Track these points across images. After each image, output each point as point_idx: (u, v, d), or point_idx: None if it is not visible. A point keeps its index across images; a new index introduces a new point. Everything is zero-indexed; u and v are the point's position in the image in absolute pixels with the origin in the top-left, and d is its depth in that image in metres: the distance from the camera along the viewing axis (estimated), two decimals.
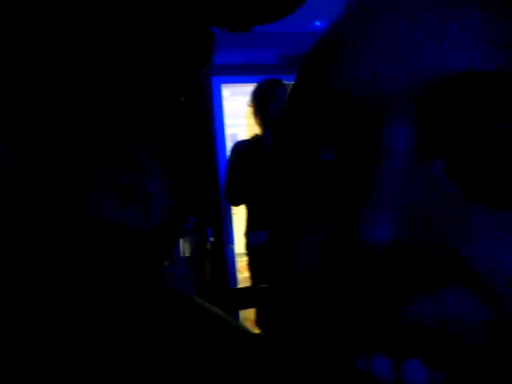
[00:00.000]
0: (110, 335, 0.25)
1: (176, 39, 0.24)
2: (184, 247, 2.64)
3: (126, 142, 0.23)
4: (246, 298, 1.34)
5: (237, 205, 2.69)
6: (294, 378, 0.26)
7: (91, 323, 0.24)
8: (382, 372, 0.21)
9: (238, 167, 2.40)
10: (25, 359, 0.23)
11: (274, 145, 0.28)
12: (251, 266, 2.48)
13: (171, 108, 0.26)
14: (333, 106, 0.24)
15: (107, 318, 0.24)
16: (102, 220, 0.22)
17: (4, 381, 0.23)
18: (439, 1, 0.23)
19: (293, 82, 0.28)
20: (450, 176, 0.22)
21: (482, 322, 0.21)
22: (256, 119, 2.42)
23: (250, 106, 2.47)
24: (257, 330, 1.95)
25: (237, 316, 2.15)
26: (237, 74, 3.38)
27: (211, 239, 2.84)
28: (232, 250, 3.22)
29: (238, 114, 3.29)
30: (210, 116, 3.32)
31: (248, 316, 2.40)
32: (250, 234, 2.45)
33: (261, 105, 2.36)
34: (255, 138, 2.42)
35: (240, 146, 2.51)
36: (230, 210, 3.19)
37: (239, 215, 2.76)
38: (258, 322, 2.22)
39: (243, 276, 3.02)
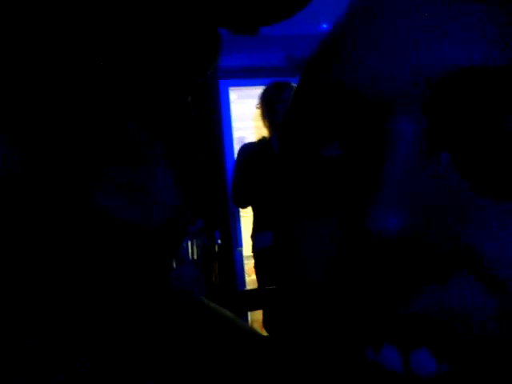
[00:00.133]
0: (112, 334, 0.25)
1: (183, 39, 0.24)
2: (192, 249, 2.64)
3: (132, 140, 0.23)
4: (253, 299, 1.34)
5: (243, 207, 2.69)
6: (302, 378, 0.26)
7: (93, 321, 0.24)
8: (391, 362, 0.22)
9: (245, 169, 2.41)
10: (25, 358, 0.23)
11: (280, 142, 0.28)
12: (257, 268, 2.48)
13: (178, 108, 0.26)
14: (339, 102, 0.24)
15: (110, 316, 0.24)
16: (106, 217, 0.22)
17: (4, 381, 0.23)
18: (444, 0, 0.23)
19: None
20: (456, 169, 0.22)
21: (489, 313, 0.21)
22: (264, 121, 2.42)
23: (258, 108, 2.48)
24: (264, 332, 1.95)
25: (245, 318, 2.15)
26: (244, 77, 3.38)
27: (219, 241, 2.84)
28: (240, 253, 3.22)
29: (245, 117, 3.29)
30: (218, 119, 3.33)
31: (256, 318, 2.40)
32: (256, 236, 2.45)
33: (268, 107, 2.37)
34: (262, 141, 2.42)
35: (247, 148, 2.51)
36: (238, 212, 3.19)
37: (247, 218, 2.76)
38: (266, 324, 2.22)
39: (251, 278, 3.02)
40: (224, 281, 2.87)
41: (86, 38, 0.22)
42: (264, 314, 2.28)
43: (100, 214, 0.22)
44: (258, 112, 2.49)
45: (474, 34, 0.22)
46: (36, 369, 0.24)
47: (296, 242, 0.26)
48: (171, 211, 0.24)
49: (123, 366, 0.26)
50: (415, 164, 0.22)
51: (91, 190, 0.22)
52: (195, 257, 2.64)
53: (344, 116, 0.24)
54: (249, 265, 3.02)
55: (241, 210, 2.99)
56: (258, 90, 2.53)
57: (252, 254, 2.54)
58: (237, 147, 2.86)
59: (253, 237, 2.49)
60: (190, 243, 2.56)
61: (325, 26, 2.73)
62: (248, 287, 3.06)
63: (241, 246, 3.23)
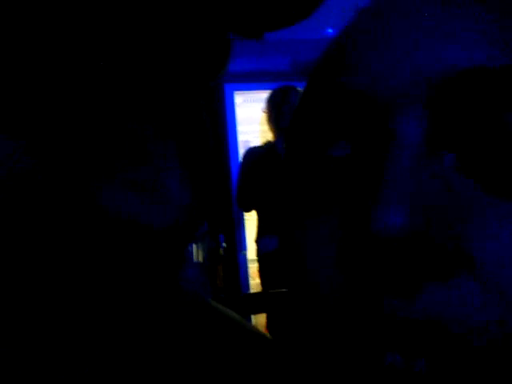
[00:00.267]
0: (117, 335, 0.25)
1: (195, 42, 0.25)
2: (197, 252, 2.64)
3: (144, 139, 0.23)
4: (256, 303, 1.34)
5: (247, 211, 2.69)
6: (307, 379, 0.26)
7: (99, 322, 0.24)
8: (396, 364, 0.22)
9: (250, 173, 2.41)
10: (28, 359, 0.23)
11: (286, 144, 0.29)
12: (262, 272, 2.48)
13: (190, 110, 0.26)
14: (345, 102, 0.25)
15: (117, 315, 0.24)
16: (117, 215, 0.22)
17: (6, 381, 0.23)
18: (445, 1, 0.24)
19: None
20: (458, 169, 0.23)
21: (488, 316, 0.21)
22: (269, 125, 2.43)
23: (264, 112, 2.48)
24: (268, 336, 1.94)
25: (249, 321, 2.14)
26: (249, 81, 3.39)
27: (224, 245, 2.84)
28: (244, 256, 3.22)
29: (250, 121, 3.30)
30: (223, 123, 3.33)
31: (259, 321, 2.40)
32: (260, 240, 2.45)
33: (274, 111, 2.37)
34: (267, 145, 2.43)
35: (252, 152, 2.51)
36: (242, 216, 3.19)
37: (252, 221, 2.76)
38: (269, 327, 2.22)
39: (255, 282, 3.02)
40: (228, 284, 2.87)
41: (93, 39, 0.22)
42: (267, 318, 2.28)
43: (111, 214, 0.22)
44: (263, 116, 2.50)
45: (474, 35, 0.23)
46: (39, 369, 0.24)
47: (298, 243, 0.26)
48: (182, 212, 0.24)
49: (130, 365, 0.26)
50: (417, 164, 0.22)
51: (102, 189, 0.22)
52: (200, 260, 2.64)
53: (349, 116, 0.25)
54: (253, 268, 3.02)
55: (245, 213, 2.99)
56: (264, 94, 2.53)
57: (256, 257, 2.54)
58: (242, 151, 2.86)
59: (257, 241, 2.50)
60: (194, 246, 2.57)
61: (330, 30, 2.73)
62: (252, 291, 3.06)
63: (245, 249, 3.23)
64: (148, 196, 0.23)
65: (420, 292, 0.22)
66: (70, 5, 0.21)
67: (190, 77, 0.25)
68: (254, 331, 0.35)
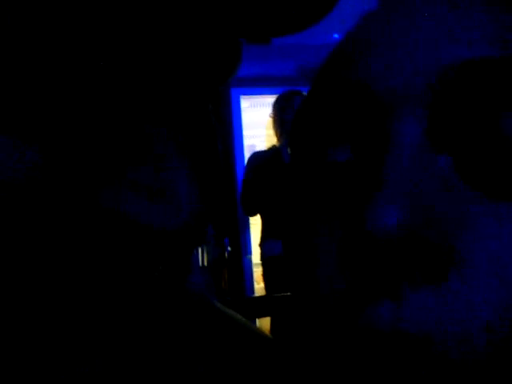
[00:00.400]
0: (122, 335, 0.25)
1: (203, 45, 0.25)
2: (202, 256, 2.64)
3: (155, 143, 0.23)
4: (261, 306, 1.34)
5: (252, 215, 2.70)
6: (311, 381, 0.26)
7: (103, 322, 0.24)
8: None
9: (254, 178, 2.41)
10: (28, 358, 0.23)
11: (290, 146, 0.29)
12: (266, 276, 2.48)
13: (199, 113, 0.26)
14: (348, 100, 0.25)
15: (122, 316, 0.24)
16: (126, 218, 0.22)
17: (6, 381, 0.23)
18: (445, 1, 0.24)
19: None
20: (456, 170, 0.23)
21: (482, 323, 0.21)
22: (274, 130, 2.43)
23: (270, 116, 2.48)
24: None
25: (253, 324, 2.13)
26: (256, 86, 3.39)
27: (229, 249, 2.83)
28: (249, 260, 3.21)
29: (256, 125, 3.31)
30: (229, 127, 3.34)
31: (264, 325, 2.39)
32: (264, 244, 2.45)
33: (279, 115, 2.37)
34: (272, 149, 2.43)
35: (257, 156, 2.51)
36: (248, 220, 3.19)
37: (257, 226, 2.76)
38: (274, 331, 2.21)
39: (260, 286, 3.01)
40: (233, 288, 2.86)
41: (98, 40, 0.22)
42: (272, 322, 2.27)
43: (119, 216, 0.22)
44: (269, 120, 2.50)
45: (474, 33, 0.23)
46: (41, 368, 0.24)
47: (302, 246, 0.26)
48: (191, 216, 0.24)
49: (134, 365, 0.26)
50: (415, 164, 0.22)
51: (112, 193, 0.22)
52: (205, 263, 2.64)
53: (351, 116, 0.25)
54: (258, 272, 3.02)
55: (251, 217, 2.99)
56: (270, 99, 2.54)
57: (260, 261, 2.54)
58: (247, 155, 2.87)
59: (261, 245, 2.50)
60: (200, 250, 2.57)
61: (336, 36, 2.73)
62: (257, 294, 3.05)
63: (250, 253, 3.23)
64: (158, 201, 0.23)
65: (406, 295, 0.21)
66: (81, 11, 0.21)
67: (200, 80, 0.25)
68: (259, 333, 0.35)
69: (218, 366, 0.29)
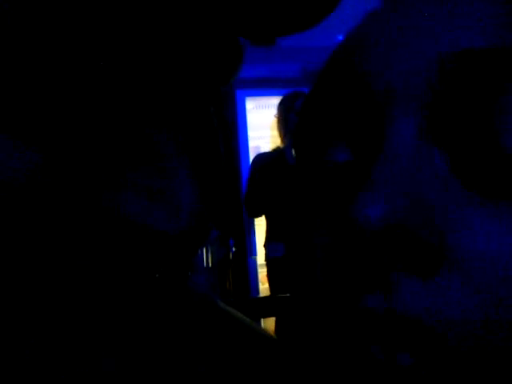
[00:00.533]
0: (123, 335, 0.25)
1: (205, 46, 0.25)
2: (207, 257, 2.64)
3: (154, 143, 0.23)
4: (265, 307, 1.34)
5: (256, 216, 2.69)
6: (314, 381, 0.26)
7: (104, 322, 0.24)
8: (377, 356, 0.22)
9: (258, 179, 2.40)
10: (50, 357, 0.23)
11: (294, 145, 0.29)
12: (270, 276, 2.48)
13: (201, 115, 0.26)
14: (347, 99, 0.25)
15: (125, 316, 0.24)
16: (127, 221, 0.22)
17: (6, 380, 0.23)
18: None
19: None
20: (450, 166, 0.22)
21: (472, 317, 0.21)
22: (278, 131, 2.43)
23: (275, 117, 2.48)
24: None
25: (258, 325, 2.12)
26: (261, 87, 3.39)
27: (233, 249, 2.83)
28: (254, 261, 3.21)
29: (261, 127, 3.30)
30: (234, 128, 3.34)
31: (268, 326, 2.39)
32: (268, 245, 2.45)
33: (283, 116, 2.37)
34: (276, 150, 2.42)
35: (261, 158, 2.50)
36: (253, 221, 3.18)
37: (263, 227, 2.75)
38: (278, 331, 2.21)
39: (265, 287, 3.01)
40: (238, 288, 2.86)
41: (96, 41, 0.22)
42: (276, 322, 2.27)
43: (121, 218, 0.22)
44: (274, 121, 2.50)
45: (474, 25, 0.22)
46: (61, 367, 0.24)
47: (302, 245, 0.27)
48: (195, 217, 0.24)
49: (136, 364, 0.26)
50: (409, 161, 0.22)
51: (112, 194, 0.22)
52: (210, 264, 2.64)
53: (350, 115, 0.25)
54: (263, 273, 3.01)
55: (256, 218, 2.99)
56: (275, 100, 2.53)
57: (265, 262, 2.54)
58: (252, 156, 2.86)
59: (265, 246, 2.50)
60: (204, 251, 2.56)
61: (341, 38, 2.73)
62: (262, 295, 3.05)
63: (255, 254, 3.22)
64: (159, 203, 0.23)
65: (396, 286, 0.21)
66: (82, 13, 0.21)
67: (201, 81, 0.25)
68: (263, 333, 0.35)
69: (219, 366, 0.29)
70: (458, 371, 0.22)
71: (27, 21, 0.21)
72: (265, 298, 1.78)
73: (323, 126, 0.26)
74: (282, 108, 2.40)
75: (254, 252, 3.22)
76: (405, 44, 0.23)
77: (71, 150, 0.22)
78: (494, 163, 0.22)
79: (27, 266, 0.22)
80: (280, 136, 2.41)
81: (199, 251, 2.33)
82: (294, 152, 0.29)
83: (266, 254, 2.48)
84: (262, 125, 3.27)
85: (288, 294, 1.31)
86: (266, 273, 2.63)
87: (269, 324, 2.35)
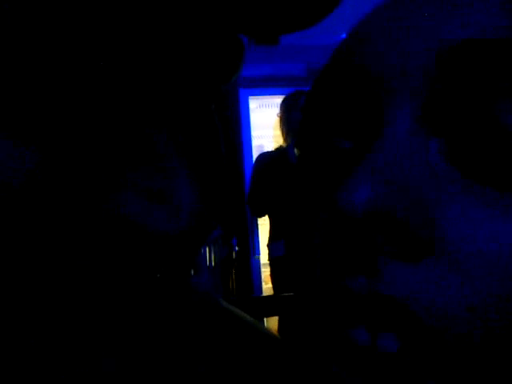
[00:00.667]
0: (124, 335, 0.25)
1: (205, 44, 0.25)
2: (210, 256, 2.64)
3: (154, 143, 0.23)
4: (268, 306, 1.34)
5: (259, 216, 2.69)
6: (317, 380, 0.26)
7: (105, 322, 0.24)
8: (361, 340, 0.22)
9: (261, 179, 2.41)
10: (50, 357, 0.23)
11: (298, 141, 0.29)
12: (273, 276, 2.48)
13: (202, 115, 0.26)
14: (349, 87, 0.25)
15: (124, 316, 0.25)
16: (127, 222, 0.22)
17: (6, 380, 0.23)
18: None
19: None
20: (445, 155, 0.22)
21: (457, 304, 0.21)
22: (281, 130, 2.43)
23: (278, 116, 2.48)
24: None
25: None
26: (264, 87, 3.39)
27: (236, 249, 2.84)
28: (257, 261, 3.21)
29: (264, 126, 3.30)
30: (238, 127, 3.34)
31: (271, 324, 2.39)
32: (271, 244, 2.45)
33: (286, 115, 2.37)
34: (279, 150, 2.43)
35: (264, 157, 2.51)
36: (255, 220, 3.19)
37: (266, 226, 2.76)
38: (281, 330, 2.21)
39: (268, 286, 3.01)
40: (241, 288, 2.87)
41: (93, 40, 0.22)
42: (279, 321, 2.27)
43: (120, 219, 0.22)
44: (276, 120, 2.50)
45: (473, 17, 0.22)
46: (62, 367, 0.24)
47: (301, 238, 0.27)
48: (195, 217, 0.24)
49: (138, 364, 0.26)
50: (403, 148, 0.22)
51: (112, 195, 0.22)
52: (213, 264, 2.64)
53: (352, 103, 0.25)
54: (266, 272, 3.02)
55: (259, 218, 2.99)
56: (278, 99, 2.53)
57: (268, 262, 2.54)
58: (256, 155, 2.87)
59: (269, 245, 2.50)
60: (207, 250, 2.57)
61: (344, 36, 2.72)
62: (265, 295, 3.05)
63: (258, 254, 3.22)
64: (159, 203, 0.23)
65: (380, 270, 0.22)
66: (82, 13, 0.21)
67: (201, 80, 0.25)
68: (266, 332, 0.35)
69: (220, 366, 0.29)
70: (443, 357, 0.22)
71: (27, 21, 0.21)
72: (268, 297, 1.79)
73: (326, 118, 0.26)
74: (284, 107, 2.40)
75: (257, 251, 3.23)
76: (404, 35, 0.24)
77: (71, 150, 0.22)
78: (494, 146, 0.22)
79: (27, 266, 0.22)
80: (282, 135, 2.41)
81: (202, 250, 2.33)
82: (296, 151, 0.29)
83: (269, 254, 2.48)
84: (265, 124, 3.27)
85: (291, 293, 1.31)
86: (269, 272, 2.63)
87: (272, 323, 2.35)
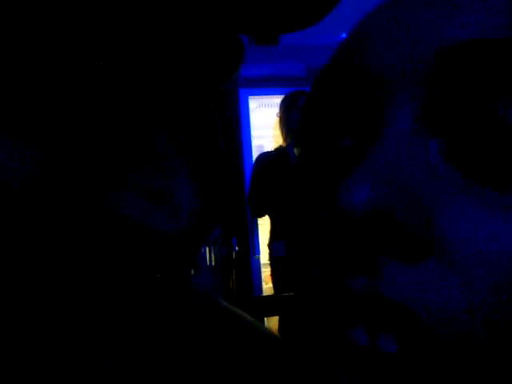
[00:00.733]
0: (124, 335, 0.25)
1: (204, 44, 0.25)
2: (210, 256, 2.65)
3: (154, 143, 0.23)
4: (268, 305, 1.34)
5: (260, 216, 2.70)
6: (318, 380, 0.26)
7: (105, 322, 0.24)
8: (361, 341, 0.22)
9: (262, 179, 2.41)
10: (50, 357, 0.23)
11: (299, 139, 0.29)
12: (274, 276, 2.49)
13: (201, 114, 0.26)
14: (349, 86, 0.25)
15: (124, 316, 0.24)
16: (126, 222, 0.22)
17: (6, 380, 0.23)
18: None
19: None
20: (445, 155, 0.22)
21: (457, 306, 0.21)
22: (280, 130, 2.43)
23: (277, 116, 2.48)
24: None
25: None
26: (264, 86, 3.40)
27: (236, 249, 2.84)
28: (257, 261, 3.21)
29: (264, 126, 3.31)
30: (237, 127, 3.35)
31: (271, 324, 2.39)
32: (272, 244, 2.45)
33: (285, 115, 2.37)
34: (279, 150, 2.43)
35: (263, 157, 2.51)
36: (256, 220, 3.19)
37: (266, 226, 2.76)
38: (282, 330, 2.21)
39: (268, 286, 3.02)
40: (241, 288, 2.87)
41: (91, 39, 0.22)
42: (280, 321, 2.27)
43: (120, 219, 0.22)
44: (276, 120, 2.50)
45: (475, 15, 0.22)
46: (62, 367, 0.24)
47: (302, 237, 0.27)
48: (195, 217, 0.24)
49: (138, 364, 0.26)
50: (402, 147, 0.22)
51: (111, 194, 0.22)
52: (213, 263, 2.64)
53: (353, 102, 0.25)
54: (266, 272, 3.02)
55: (259, 218, 2.99)
56: (278, 99, 2.53)
57: (269, 261, 2.55)
58: (256, 155, 2.87)
59: (269, 245, 2.50)
60: (207, 250, 2.57)
61: (344, 36, 2.72)
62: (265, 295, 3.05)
63: (258, 253, 3.23)
64: (159, 203, 0.23)
65: (380, 271, 0.22)
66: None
67: (200, 79, 0.25)
68: (266, 332, 0.35)
69: (220, 366, 0.29)
70: (443, 358, 0.22)
71: (27, 20, 0.21)
72: (268, 296, 1.79)
73: (327, 118, 0.26)
74: (284, 107, 2.40)
75: (257, 251, 3.23)
76: (404, 35, 0.24)
77: (71, 150, 0.22)
78: (494, 146, 0.21)
79: (27, 266, 0.22)
80: (282, 135, 2.41)
81: (202, 250, 2.33)
82: (296, 150, 0.29)
83: (270, 254, 2.48)
84: (265, 124, 3.28)
85: (292, 293, 1.31)
86: (269, 272, 2.64)
87: (272, 323, 2.35)
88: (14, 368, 0.23)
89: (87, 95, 0.22)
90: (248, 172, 3.05)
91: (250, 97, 3.48)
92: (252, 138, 3.46)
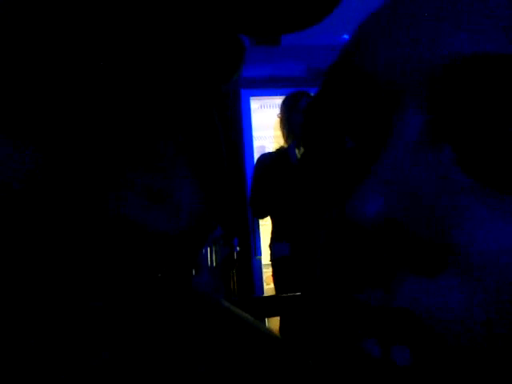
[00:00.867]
0: (125, 335, 0.25)
1: (205, 44, 0.25)
2: (211, 257, 2.65)
3: (156, 146, 0.23)
4: (270, 306, 1.34)
5: (261, 217, 2.69)
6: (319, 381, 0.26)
7: (105, 322, 0.24)
8: (374, 352, 0.22)
9: (263, 179, 2.41)
10: (50, 357, 0.23)
11: (302, 139, 0.29)
12: (275, 276, 2.48)
13: (202, 115, 0.26)
14: (355, 92, 0.25)
15: (124, 316, 0.24)
16: (127, 222, 0.22)
17: (6, 380, 0.23)
18: None
19: None
20: (457, 163, 0.22)
21: (474, 319, 0.21)
22: (281, 130, 2.43)
23: (278, 116, 2.48)
24: None
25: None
26: (266, 87, 3.40)
27: (238, 249, 2.84)
28: (259, 261, 3.21)
29: (266, 127, 3.31)
30: (239, 128, 3.35)
31: (272, 324, 2.39)
32: (274, 245, 2.45)
33: (286, 116, 2.37)
34: (280, 150, 2.43)
35: (265, 158, 2.51)
36: (257, 221, 3.19)
37: (267, 226, 2.76)
38: (283, 331, 2.21)
39: (269, 287, 3.01)
40: (242, 288, 2.87)
41: (89, 39, 0.22)
42: (281, 321, 2.27)
43: (120, 219, 0.22)
44: (277, 121, 2.50)
45: (479, 25, 0.22)
46: (57, 361, 0.24)
47: (309, 239, 0.27)
48: (196, 218, 0.24)
49: (142, 364, 0.26)
50: (412, 156, 0.22)
51: (111, 194, 0.22)
52: (214, 264, 2.64)
53: (358, 107, 0.25)
54: (267, 273, 3.02)
55: (261, 219, 2.99)
56: (280, 100, 2.53)
57: (270, 262, 2.54)
58: (257, 156, 2.87)
59: (271, 246, 2.50)
60: (208, 250, 2.57)
61: (346, 36, 2.72)
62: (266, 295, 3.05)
63: (259, 254, 3.23)
64: (159, 203, 0.23)
65: (396, 284, 0.21)
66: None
67: (201, 79, 0.25)
68: (267, 332, 0.35)
69: (220, 366, 0.29)
70: (457, 371, 0.21)
71: (27, 20, 0.21)
72: (269, 297, 1.79)
73: (333, 120, 0.26)
74: (285, 108, 2.40)
75: (258, 252, 3.23)
76: (412, 37, 0.23)
77: (71, 150, 0.22)
78: (506, 156, 0.21)
79: (27, 267, 0.22)
80: (283, 136, 2.41)
81: (203, 250, 2.33)
82: (297, 152, 0.29)
83: (271, 254, 2.48)
84: (266, 124, 3.27)
85: (293, 294, 1.31)
86: (270, 273, 2.64)
87: (273, 324, 2.35)
88: (14, 368, 0.23)
89: (87, 95, 0.22)
90: (249, 173, 3.05)
91: (252, 97, 3.48)
92: (254, 139, 3.46)
